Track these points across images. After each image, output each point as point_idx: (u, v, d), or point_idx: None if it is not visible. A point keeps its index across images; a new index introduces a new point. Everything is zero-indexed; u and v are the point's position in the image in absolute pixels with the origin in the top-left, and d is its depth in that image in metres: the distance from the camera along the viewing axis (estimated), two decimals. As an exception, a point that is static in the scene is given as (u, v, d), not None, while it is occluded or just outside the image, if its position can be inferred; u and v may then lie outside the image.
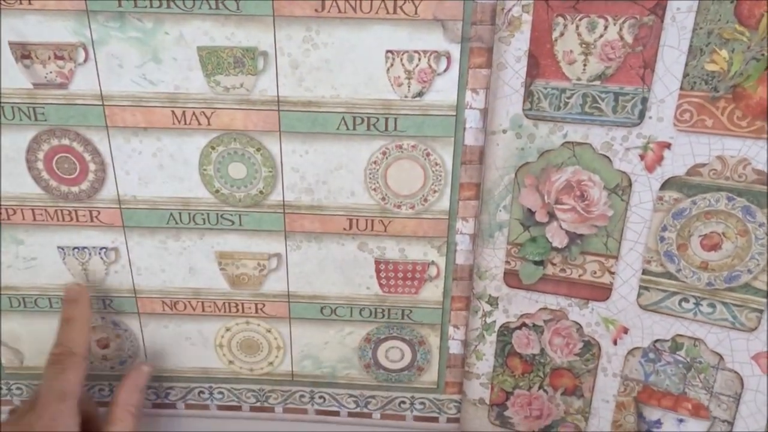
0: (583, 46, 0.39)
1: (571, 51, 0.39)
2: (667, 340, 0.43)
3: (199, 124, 0.44)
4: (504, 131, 0.42)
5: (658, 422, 0.44)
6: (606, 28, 0.38)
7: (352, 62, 0.41)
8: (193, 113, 0.43)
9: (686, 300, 0.41)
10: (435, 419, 0.51)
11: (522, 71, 0.40)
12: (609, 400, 0.45)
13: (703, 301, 0.41)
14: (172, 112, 0.43)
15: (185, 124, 0.44)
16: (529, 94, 0.41)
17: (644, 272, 0.42)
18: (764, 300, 0.39)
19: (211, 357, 0.51)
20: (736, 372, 0.41)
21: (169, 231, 0.47)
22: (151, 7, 0.40)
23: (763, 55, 0.36)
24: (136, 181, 0.46)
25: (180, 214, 0.46)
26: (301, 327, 0.50)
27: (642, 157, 0.40)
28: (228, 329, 0.50)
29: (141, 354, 0.51)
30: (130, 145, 0.44)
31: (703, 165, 0.39)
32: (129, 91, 0.43)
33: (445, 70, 0.42)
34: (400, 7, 0.40)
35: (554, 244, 0.43)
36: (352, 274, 0.47)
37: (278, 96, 0.43)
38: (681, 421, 0.43)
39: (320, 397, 0.52)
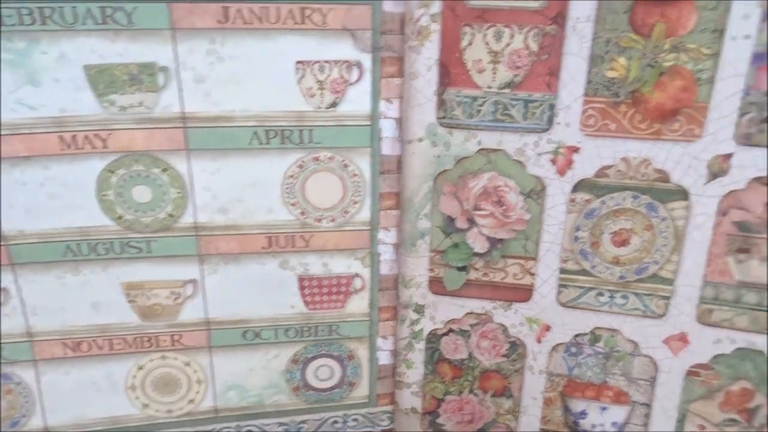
0: (492, 54, 0.39)
1: (480, 60, 0.39)
2: (587, 334, 0.44)
3: (94, 147, 0.40)
4: (420, 140, 0.42)
5: (583, 413, 0.46)
6: (512, 36, 0.38)
7: (261, 74, 0.40)
8: (86, 136, 0.40)
9: (602, 294, 0.43)
10: (369, 433, 0.51)
11: (433, 80, 0.40)
12: (537, 397, 0.47)
13: (617, 293, 0.43)
14: (60, 137, 0.39)
15: (76, 148, 0.40)
16: (441, 103, 0.41)
17: (562, 271, 0.43)
18: (671, 288, 0.42)
19: (122, 403, 0.47)
20: (650, 357, 0.44)
21: (67, 264, 0.43)
22: (22, 24, 0.36)
23: (657, 62, 0.38)
24: (23, 215, 0.41)
25: (78, 245, 0.42)
26: (223, 355, 0.47)
27: (553, 161, 0.41)
28: (141, 367, 0.47)
29: (37, 410, 0.46)
30: (10, 176, 0.40)
31: (610, 167, 0.41)
32: (4, 119, 0.38)
33: (357, 80, 0.41)
34: (308, 17, 0.39)
35: (476, 250, 0.44)
36: (274, 294, 0.46)
37: (183, 112, 0.40)
38: (604, 409, 0.46)
39: (248, 431, 0.50)
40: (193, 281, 0.45)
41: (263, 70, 0.40)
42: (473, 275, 0.44)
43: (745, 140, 0.38)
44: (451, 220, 0.43)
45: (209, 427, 0.49)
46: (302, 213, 0.44)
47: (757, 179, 0.39)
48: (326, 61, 0.40)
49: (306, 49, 0.40)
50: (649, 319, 0.43)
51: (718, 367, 0.43)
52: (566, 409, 0.46)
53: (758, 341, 0.41)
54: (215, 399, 0.48)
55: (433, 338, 0.47)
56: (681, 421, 0.44)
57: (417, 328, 0.47)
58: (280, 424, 0.50)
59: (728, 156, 0.39)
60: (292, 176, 0.43)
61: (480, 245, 0.44)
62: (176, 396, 0.48)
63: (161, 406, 0.48)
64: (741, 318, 0.41)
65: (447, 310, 0.46)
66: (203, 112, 0.40)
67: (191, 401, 0.48)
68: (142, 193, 0.42)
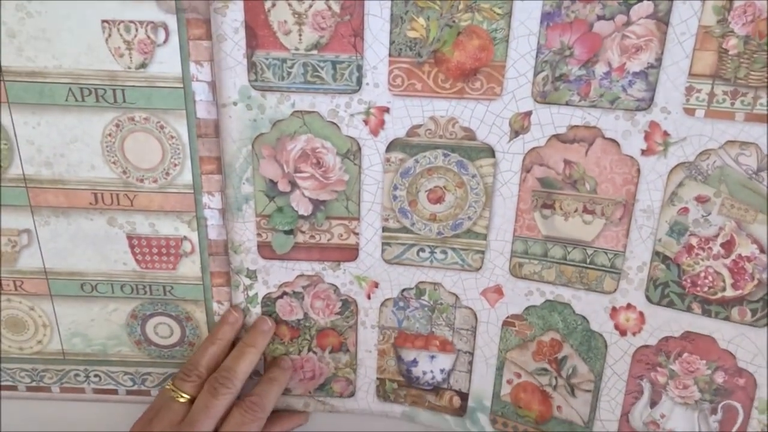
0: (296, 16, 0.39)
1: (285, 21, 0.39)
2: (412, 288, 0.46)
3: None
4: (234, 103, 0.41)
5: (414, 361, 0.48)
6: (313, -3, 0.38)
7: (69, 32, 0.40)
8: None
9: (423, 250, 0.45)
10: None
11: (241, 42, 0.40)
12: (371, 350, 0.48)
13: (437, 249, 0.45)
14: None
15: None
16: (252, 65, 0.40)
17: (384, 229, 0.45)
18: (484, 242, 0.44)
19: None
20: (470, 308, 0.46)
21: None
22: None
23: (454, 21, 0.39)
24: None
25: None
26: (64, 304, 0.48)
27: (366, 122, 0.42)
28: None
29: None
30: None
31: (420, 126, 0.42)
32: None
33: (164, 42, 0.40)
34: (111, -25, 0.38)
35: (300, 212, 0.44)
36: (106, 250, 0.46)
37: (0, 66, 0.40)
38: (433, 357, 0.48)
39: (95, 376, 0.51)
40: (27, 231, 0.45)
41: (71, 27, 0.40)
42: (300, 238, 0.45)
43: (542, 98, 0.40)
44: (273, 183, 0.44)
45: (59, 367, 0.50)
46: (124, 172, 0.44)
47: (556, 136, 0.41)
48: (131, 21, 0.40)
49: (110, 9, 0.39)
50: (467, 273, 0.45)
51: (530, 318, 0.45)
52: (399, 359, 0.48)
53: (565, 294, 0.44)
54: (62, 343, 0.49)
55: (269, 302, 0.47)
56: (500, 368, 0.47)
57: (251, 293, 0.47)
58: (126, 373, 0.51)
59: (528, 114, 0.41)
60: (110, 135, 0.43)
61: (304, 208, 0.44)
62: (25, 336, 0.49)
63: (13, 343, 0.50)
64: (549, 271, 0.44)
65: (279, 273, 0.46)
66: (18, 67, 0.41)
67: (39, 342, 0.50)
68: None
